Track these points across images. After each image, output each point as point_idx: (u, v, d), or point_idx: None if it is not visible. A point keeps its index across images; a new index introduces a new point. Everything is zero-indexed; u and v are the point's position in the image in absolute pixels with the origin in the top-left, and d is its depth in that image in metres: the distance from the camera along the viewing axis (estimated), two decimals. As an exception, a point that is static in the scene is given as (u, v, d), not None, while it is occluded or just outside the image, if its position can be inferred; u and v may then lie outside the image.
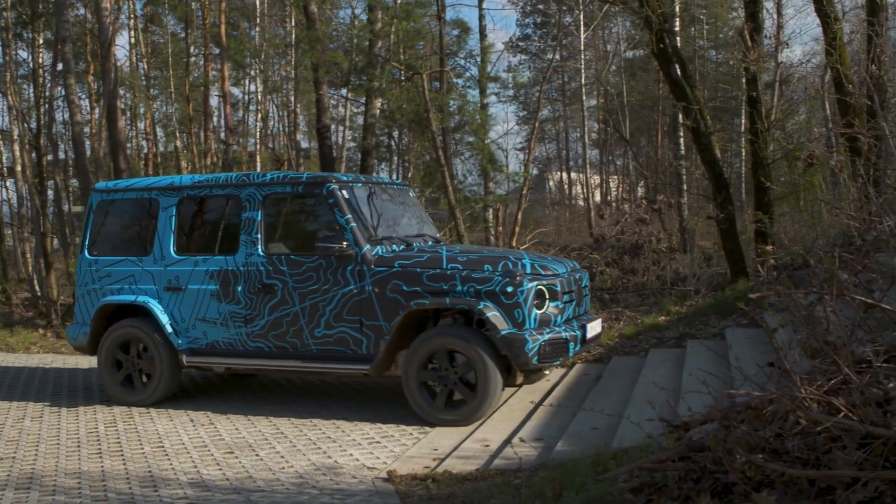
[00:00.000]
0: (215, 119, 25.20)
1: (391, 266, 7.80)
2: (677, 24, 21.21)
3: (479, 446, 6.79)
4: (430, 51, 25.08)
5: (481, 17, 25.61)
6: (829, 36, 11.52)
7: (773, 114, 15.38)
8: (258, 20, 25.21)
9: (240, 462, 6.80)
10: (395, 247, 8.16)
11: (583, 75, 27.86)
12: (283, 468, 6.56)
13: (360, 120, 23.91)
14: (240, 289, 8.39)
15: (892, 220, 4.72)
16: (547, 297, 7.56)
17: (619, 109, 29.42)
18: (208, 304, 8.57)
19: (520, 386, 8.35)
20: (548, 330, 7.44)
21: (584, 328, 7.83)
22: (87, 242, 9.40)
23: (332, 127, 26.32)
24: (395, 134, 28.75)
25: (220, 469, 6.62)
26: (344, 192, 8.21)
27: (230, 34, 23.61)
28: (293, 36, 24.86)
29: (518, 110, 40.18)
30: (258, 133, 26.79)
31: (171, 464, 6.83)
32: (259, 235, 8.40)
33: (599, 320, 8.64)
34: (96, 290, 9.21)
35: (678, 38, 19.43)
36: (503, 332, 7.28)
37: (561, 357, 7.49)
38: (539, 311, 7.46)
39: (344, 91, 25.77)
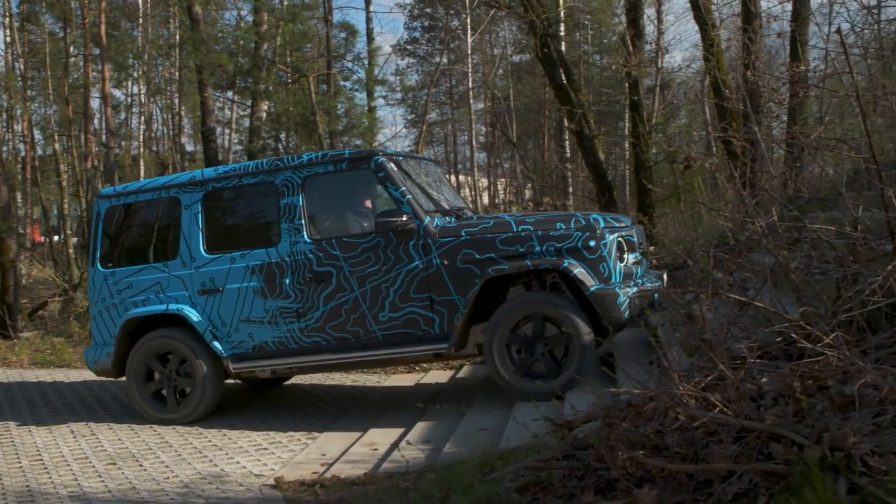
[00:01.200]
0: (96, 121, 24.60)
1: (458, 235, 7.32)
2: (562, 29, 21.54)
3: (368, 450, 6.77)
4: (317, 53, 24.95)
5: (368, 20, 25.62)
6: (707, 42, 11.84)
7: (655, 117, 15.75)
8: (140, 20, 24.69)
9: (122, 473, 6.64)
10: (447, 218, 7.75)
11: (470, 79, 28.02)
12: (168, 478, 6.44)
13: (247, 122, 23.62)
14: (287, 281, 7.74)
15: (764, 221, 4.88)
16: (626, 249, 7.26)
17: (506, 113, 29.69)
18: (252, 302, 7.89)
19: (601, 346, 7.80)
20: (632, 282, 7.17)
21: (661, 278, 7.64)
22: (98, 255, 8.61)
23: (218, 130, 25.91)
24: (282, 137, 28.46)
25: (102, 481, 6.46)
26: (392, 164, 7.73)
27: (111, 34, 23.03)
28: (177, 37, 24.44)
29: (406, 113, 40.12)
30: (142, 136, 26.23)
31: (50, 477, 6.63)
32: (303, 221, 7.77)
33: (665, 272, 8.35)
34: (117, 305, 8.40)
35: (563, 43, 19.76)
36: (592, 289, 6.89)
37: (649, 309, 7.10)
38: (622, 265, 7.16)
39: (230, 93, 25.44)
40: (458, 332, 7.25)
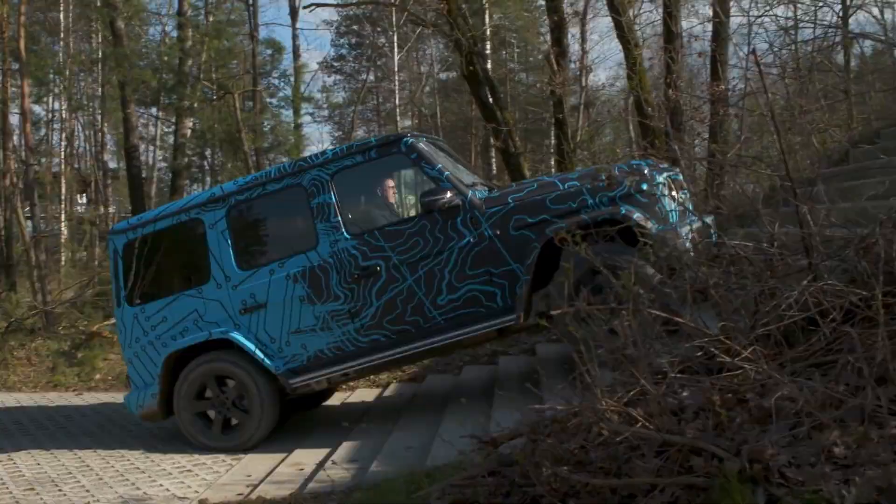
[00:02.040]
0: (15, 138, 24.06)
1: (505, 203, 7.02)
2: (488, 47, 21.73)
3: (294, 470, 6.70)
4: (242, 70, 24.82)
5: (295, 37, 25.63)
6: (630, 61, 12.05)
7: (579, 135, 15.95)
8: (62, 35, 24.30)
9: (41, 498, 6.48)
10: (485, 189, 7.51)
11: (397, 96, 28.13)
12: (89, 503, 6.29)
13: (171, 139, 23.36)
14: (334, 282, 7.31)
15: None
16: (674, 188, 6.99)
17: (434, 130, 29.82)
18: (299, 311, 7.42)
19: None
20: (688, 219, 7.01)
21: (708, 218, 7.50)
22: (122, 294, 8.04)
23: (142, 146, 25.58)
24: (208, 153, 28.21)
25: (19, 507, 6.30)
26: (422, 144, 7.44)
27: (31, 49, 22.58)
28: (100, 52, 24.11)
29: (333, 130, 40.04)
30: (63, 153, 25.77)
31: (-37, 504, 6.45)
32: (339, 218, 7.37)
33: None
34: (153, 342, 7.83)
35: (490, 62, 19.94)
36: (654, 231, 6.52)
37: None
38: (675, 203, 6.90)
39: (154, 110, 25.17)
40: (523, 300, 6.93)
